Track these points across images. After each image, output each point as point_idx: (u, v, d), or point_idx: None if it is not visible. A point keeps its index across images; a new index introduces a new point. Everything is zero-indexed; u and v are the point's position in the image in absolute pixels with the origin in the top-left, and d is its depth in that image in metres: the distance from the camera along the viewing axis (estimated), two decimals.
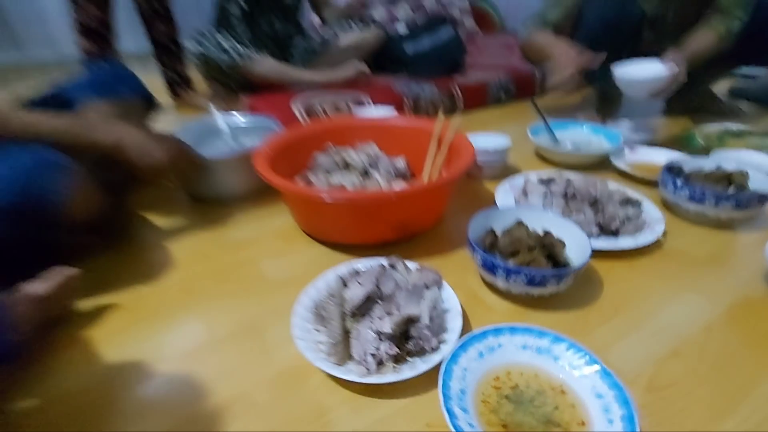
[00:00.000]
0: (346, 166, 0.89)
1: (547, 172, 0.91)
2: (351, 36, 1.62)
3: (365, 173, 0.87)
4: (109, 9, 1.36)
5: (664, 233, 0.76)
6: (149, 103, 0.93)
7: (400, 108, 1.37)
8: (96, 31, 1.34)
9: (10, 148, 0.57)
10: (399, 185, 0.84)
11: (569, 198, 0.79)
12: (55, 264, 0.58)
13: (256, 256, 0.74)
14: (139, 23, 1.47)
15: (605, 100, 1.44)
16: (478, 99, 1.60)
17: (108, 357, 0.55)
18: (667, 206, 0.86)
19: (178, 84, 1.58)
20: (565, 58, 1.12)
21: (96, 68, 0.89)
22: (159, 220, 0.86)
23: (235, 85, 1.42)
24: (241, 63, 1.32)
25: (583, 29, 1.22)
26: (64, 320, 0.59)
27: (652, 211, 0.79)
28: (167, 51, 1.52)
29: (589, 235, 0.70)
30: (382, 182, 0.84)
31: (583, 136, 1.16)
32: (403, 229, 0.74)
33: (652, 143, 1.12)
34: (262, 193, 0.89)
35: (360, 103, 1.29)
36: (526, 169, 1.06)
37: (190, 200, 0.93)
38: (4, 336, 0.48)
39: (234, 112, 1.09)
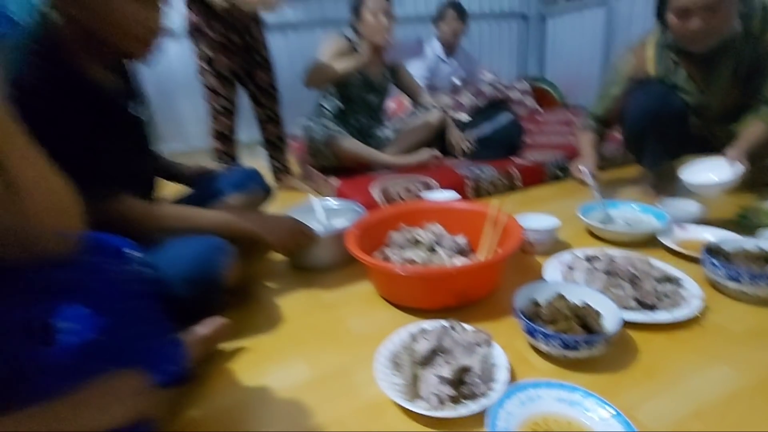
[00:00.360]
0: (416, 243, 1.09)
1: (593, 249, 1.03)
2: (417, 119, 1.91)
3: (432, 249, 1.06)
4: (236, 118, 1.80)
5: (704, 308, 0.84)
6: (268, 193, 1.24)
7: (462, 189, 1.58)
8: (225, 135, 1.77)
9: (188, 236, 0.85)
10: (460, 261, 1.02)
11: (610, 274, 0.90)
12: (211, 315, 0.83)
13: (344, 314, 0.95)
14: (248, 120, 1.91)
15: (659, 178, 1.53)
16: (535, 177, 1.76)
17: (244, 384, 0.76)
18: (710, 283, 0.93)
19: (280, 171, 1.96)
20: (581, 167, 1.36)
21: (233, 169, 1.23)
22: (271, 284, 1.11)
23: (327, 163, 1.75)
24: (334, 138, 1.66)
25: (628, 121, 1.37)
26: (214, 356, 0.83)
27: (692, 287, 0.87)
28: (274, 146, 1.92)
29: (627, 309, 0.81)
30: (445, 258, 1.02)
31: (633, 214, 1.26)
32: (462, 297, 0.91)
33: (703, 221, 1.19)
34: (348, 264, 1.11)
35: (428, 187, 1.52)
36: (576, 244, 1.18)
37: (292, 268, 1.19)
38: (183, 364, 0.71)
39: (326, 198, 1.38)
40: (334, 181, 1.68)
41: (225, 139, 1.78)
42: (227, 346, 0.86)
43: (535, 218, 1.17)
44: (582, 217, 1.23)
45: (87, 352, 0.61)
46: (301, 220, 1.05)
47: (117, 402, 0.58)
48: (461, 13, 2.51)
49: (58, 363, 0.60)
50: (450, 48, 2.60)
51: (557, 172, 1.79)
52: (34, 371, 0.59)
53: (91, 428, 0.56)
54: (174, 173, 1.14)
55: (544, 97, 3.33)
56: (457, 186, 1.56)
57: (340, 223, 1.26)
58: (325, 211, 1.32)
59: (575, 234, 1.24)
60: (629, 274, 0.88)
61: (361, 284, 1.06)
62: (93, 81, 0.79)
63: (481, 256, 1.03)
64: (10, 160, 0.50)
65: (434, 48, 2.61)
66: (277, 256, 1.23)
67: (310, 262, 1.16)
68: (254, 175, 1.21)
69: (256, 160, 2.33)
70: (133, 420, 0.59)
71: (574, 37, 3.24)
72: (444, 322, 0.78)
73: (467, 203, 1.18)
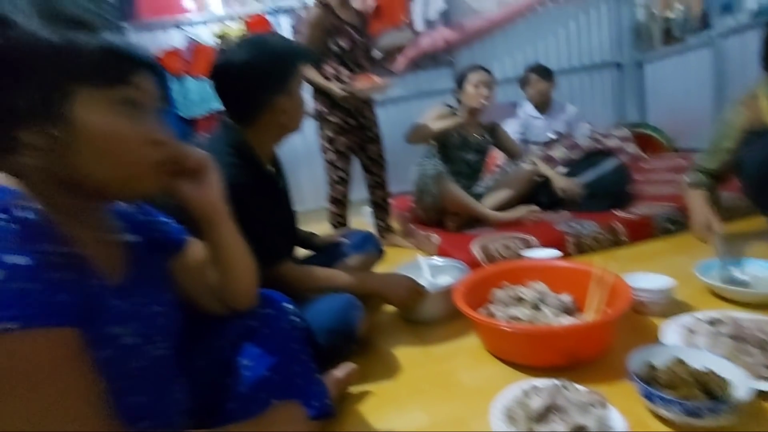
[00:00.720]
0: (520, 300, 1.15)
1: (716, 312, 0.99)
2: (508, 176, 1.99)
3: (536, 307, 1.11)
4: (350, 187, 2.07)
5: None
6: (381, 254, 1.41)
7: (562, 245, 1.59)
8: (340, 201, 2.05)
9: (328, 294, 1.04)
10: (566, 320, 1.05)
11: (737, 339, 0.86)
12: (344, 361, 0.98)
13: (455, 367, 1.03)
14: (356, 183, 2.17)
15: None
16: (643, 232, 1.69)
17: (372, 425, 0.88)
18: None
19: (384, 230, 2.17)
20: (697, 225, 1.31)
21: (353, 233, 1.43)
22: (386, 335, 1.24)
23: (431, 201, 1.87)
24: (443, 177, 1.80)
25: (749, 171, 1.30)
26: (345, 397, 0.97)
27: None
28: (380, 207, 2.15)
29: (758, 378, 0.77)
30: (551, 316, 1.06)
31: (761, 272, 1.16)
32: (572, 357, 0.93)
33: None
34: (453, 318, 1.20)
35: (527, 244, 1.57)
36: (696, 305, 1.12)
37: (402, 321, 1.31)
38: (327, 401, 0.86)
39: (431, 256, 1.51)
40: (435, 239, 1.81)
41: (339, 204, 2.06)
42: (354, 389, 0.99)
43: (647, 277, 1.15)
44: (701, 276, 1.18)
45: (260, 385, 0.79)
46: (414, 279, 1.19)
47: (286, 425, 0.74)
48: (545, 74, 2.61)
49: (241, 392, 0.79)
50: (542, 106, 2.68)
51: (668, 226, 1.70)
52: (224, 398, 0.78)
53: None
54: (305, 239, 1.38)
55: (648, 143, 3.18)
56: (558, 243, 1.58)
57: (444, 279, 1.37)
58: (431, 268, 1.45)
59: (694, 294, 1.18)
60: (759, 339, 0.84)
61: (468, 338, 1.14)
62: (266, 169, 1.05)
63: (589, 316, 1.05)
64: (224, 239, 0.71)
65: (526, 109, 2.72)
66: (389, 309, 1.37)
67: (420, 315, 1.28)
68: (370, 238, 1.40)
69: (360, 218, 2.59)
70: None
71: (679, 79, 3.10)
72: (556, 381, 0.82)
73: (570, 261, 1.21)
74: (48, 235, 0.44)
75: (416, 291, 1.17)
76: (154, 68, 0.53)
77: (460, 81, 1.94)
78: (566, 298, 1.12)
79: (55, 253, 0.44)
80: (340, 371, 0.95)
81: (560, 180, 1.95)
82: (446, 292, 1.20)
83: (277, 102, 1.01)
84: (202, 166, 0.64)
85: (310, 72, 1.84)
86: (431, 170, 1.85)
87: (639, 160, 2.88)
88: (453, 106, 1.99)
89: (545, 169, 1.99)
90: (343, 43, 1.86)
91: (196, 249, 0.73)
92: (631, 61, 3.49)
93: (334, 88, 1.81)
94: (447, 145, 1.98)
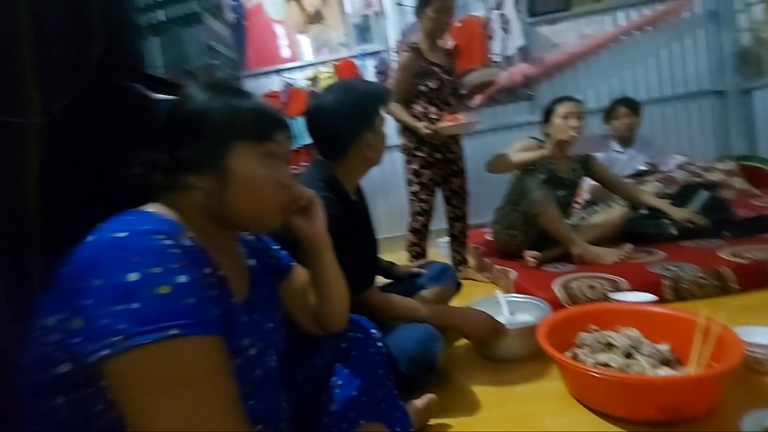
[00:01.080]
0: (609, 346, 1.08)
1: None
2: (598, 216, 1.90)
3: (628, 355, 1.04)
4: (431, 218, 2.11)
5: None
6: (459, 287, 1.42)
7: (658, 289, 1.47)
8: (420, 231, 2.10)
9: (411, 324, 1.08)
10: (664, 371, 0.97)
11: None
12: (423, 391, 1.00)
13: (538, 410, 1.00)
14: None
15: None
16: (757, 279, 1.50)
17: None
18: None
19: (459, 262, 2.17)
20: None
21: (431, 264, 1.47)
22: (463, 370, 1.24)
23: (519, 222, 1.83)
24: (546, 197, 1.75)
25: None
26: (425, 429, 0.98)
27: None
28: (458, 240, 2.17)
29: None
30: (647, 366, 0.99)
31: None
32: (672, 412, 0.86)
33: None
34: (532, 358, 1.17)
35: (615, 286, 1.48)
36: None
37: (479, 356, 1.30)
38: (410, 428, 0.88)
39: (511, 293, 1.49)
40: (513, 274, 1.77)
41: (419, 234, 2.11)
42: (434, 421, 1.00)
43: (762, 331, 1.03)
44: None
45: (350, 404, 0.84)
46: (492, 316, 1.19)
47: None
48: (633, 107, 2.48)
49: (333, 410, 0.85)
50: (626, 140, 2.56)
51: None
52: (319, 413, 0.85)
53: None
54: (385, 268, 1.44)
55: (760, 177, 2.83)
56: (652, 286, 1.46)
57: (524, 317, 1.34)
58: (509, 305, 1.42)
59: None
60: None
61: (550, 381, 1.09)
62: (352, 200, 1.15)
63: (691, 369, 0.96)
64: (325, 265, 0.80)
65: (609, 143, 2.61)
66: (465, 343, 1.37)
67: (497, 353, 1.25)
68: (448, 270, 1.42)
69: (435, 248, 2.62)
70: None
71: None
72: None
73: (668, 308, 1.12)
74: (202, 259, 0.55)
75: (495, 328, 1.16)
76: (289, 127, 0.65)
77: (547, 114, 1.92)
78: (664, 347, 1.04)
79: (208, 274, 0.54)
80: (421, 401, 0.97)
81: (676, 211, 1.83)
82: (526, 331, 1.18)
83: (363, 138, 1.10)
84: (312, 202, 0.74)
85: (400, 111, 1.95)
86: (536, 189, 1.76)
87: (749, 196, 2.57)
88: (540, 140, 1.97)
89: (655, 201, 1.88)
90: (431, 83, 1.95)
91: (300, 273, 0.82)
92: (736, 88, 3.19)
93: (421, 127, 1.89)
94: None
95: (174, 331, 0.45)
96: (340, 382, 0.87)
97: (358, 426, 0.82)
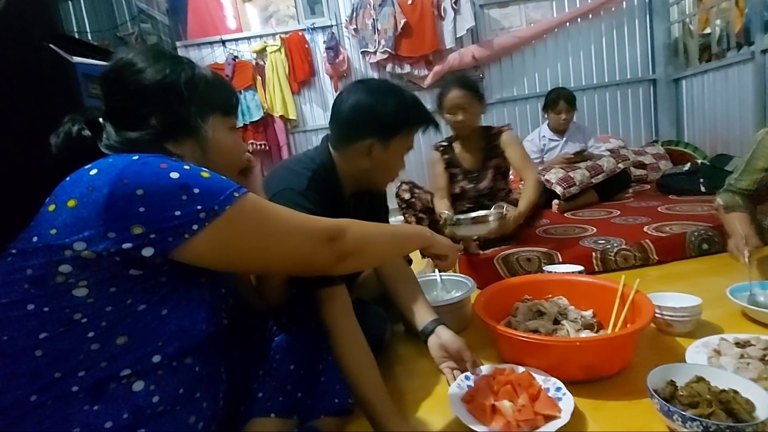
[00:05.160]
0: (540, 314, 1.14)
1: (746, 335, 0.96)
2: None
3: (556, 321, 1.10)
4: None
5: None
6: (409, 262, 1.43)
7: (587, 261, 1.57)
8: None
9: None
10: (585, 335, 1.04)
11: (766, 362, 0.83)
12: None
13: None
14: None
15: None
16: (674, 252, 1.64)
17: None
18: None
19: None
20: (737, 239, 1.24)
21: None
22: (404, 347, 1.26)
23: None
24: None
25: None
26: None
27: None
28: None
29: None
30: (571, 331, 1.05)
31: None
32: (590, 371, 0.93)
33: None
34: (463, 331, 1.21)
35: (550, 259, 1.56)
36: (727, 327, 1.08)
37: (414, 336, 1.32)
38: (350, 400, 0.88)
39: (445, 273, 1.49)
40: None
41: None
42: None
43: (675, 297, 1.13)
44: (733, 297, 1.14)
45: (288, 378, 0.84)
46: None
47: None
48: (572, 103, 2.60)
49: (270, 384, 0.84)
50: (561, 130, 2.69)
51: (703, 246, 1.65)
52: (257, 387, 0.83)
53: None
54: None
55: (683, 159, 3.07)
56: (583, 258, 1.56)
57: (457, 292, 1.36)
58: (444, 282, 1.43)
59: (725, 316, 1.14)
60: None
61: (486, 350, 1.14)
62: (340, 191, 1.06)
63: (609, 332, 1.04)
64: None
65: (543, 131, 2.76)
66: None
67: None
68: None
69: None
70: None
71: (717, 96, 3.00)
72: None
73: (594, 278, 1.20)
74: None
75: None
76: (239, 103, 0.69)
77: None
78: (588, 313, 1.11)
79: None
80: None
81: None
82: (462, 303, 1.21)
83: (369, 144, 0.99)
84: (251, 164, 0.81)
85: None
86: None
87: None
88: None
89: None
90: (454, 188, 1.89)
91: None
92: (666, 77, 3.42)
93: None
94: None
95: (238, 193, 0.55)
96: (278, 356, 0.86)
97: (296, 398, 0.81)
